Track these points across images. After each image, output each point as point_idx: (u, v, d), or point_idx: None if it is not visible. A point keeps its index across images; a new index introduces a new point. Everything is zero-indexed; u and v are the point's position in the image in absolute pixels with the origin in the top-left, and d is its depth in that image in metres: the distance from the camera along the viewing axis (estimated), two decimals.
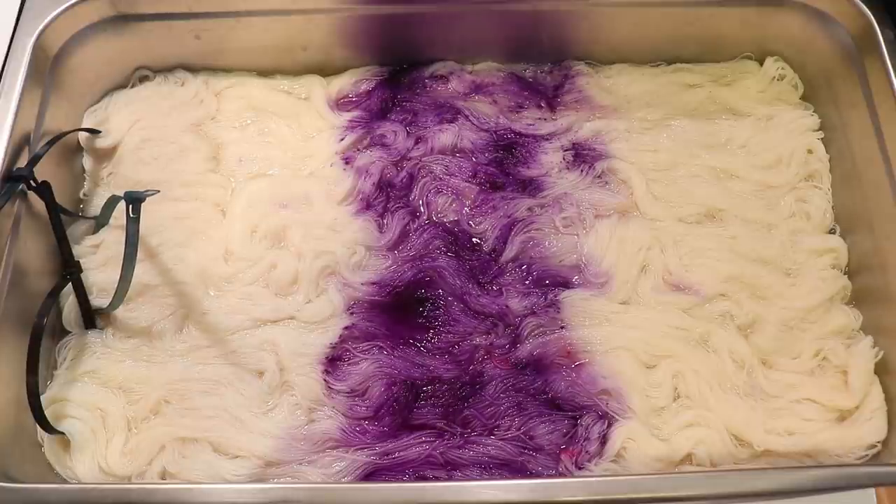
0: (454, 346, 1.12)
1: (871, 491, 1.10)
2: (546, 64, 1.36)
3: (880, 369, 1.10)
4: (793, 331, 1.14)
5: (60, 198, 1.11)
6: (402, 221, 1.21)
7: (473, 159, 1.27)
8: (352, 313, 1.14)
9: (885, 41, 1.16)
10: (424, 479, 1.03)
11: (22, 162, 1.10)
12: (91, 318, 1.13)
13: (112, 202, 1.19)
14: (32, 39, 1.16)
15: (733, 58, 1.35)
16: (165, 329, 1.13)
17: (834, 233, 1.22)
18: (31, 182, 1.07)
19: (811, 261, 1.18)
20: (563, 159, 1.26)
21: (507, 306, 1.14)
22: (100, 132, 1.26)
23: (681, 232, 1.20)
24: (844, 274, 1.19)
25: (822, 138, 1.27)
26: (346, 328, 1.13)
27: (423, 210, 1.22)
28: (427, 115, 1.30)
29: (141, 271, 1.14)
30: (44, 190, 1.08)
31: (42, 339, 1.00)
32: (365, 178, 1.24)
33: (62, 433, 1.05)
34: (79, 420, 1.07)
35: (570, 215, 1.21)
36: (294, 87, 1.34)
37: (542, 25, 1.30)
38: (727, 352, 1.11)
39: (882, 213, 1.14)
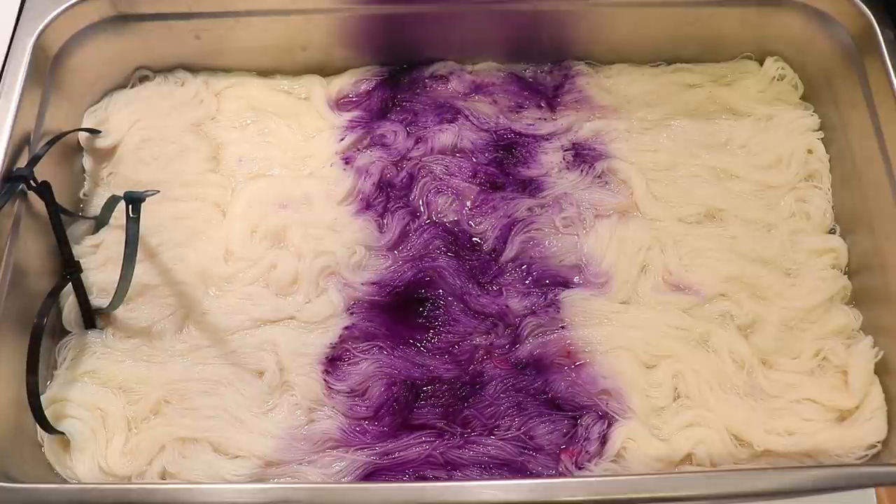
0: (454, 346, 1.12)
1: (871, 491, 1.10)
2: (546, 64, 1.36)
3: (880, 369, 1.10)
4: (793, 331, 1.14)
5: (60, 198, 1.11)
6: (402, 221, 1.21)
7: (473, 159, 1.27)
8: (352, 313, 1.14)
9: (885, 41, 1.16)
10: (424, 479, 1.03)
11: (22, 162, 1.10)
12: (91, 318, 1.13)
13: (112, 202, 1.19)
14: (32, 39, 1.16)
15: (733, 58, 1.35)
16: (165, 329, 1.13)
17: (834, 233, 1.22)
18: (31, 182, 1.07)
19: (811, 261, 1.18)
20: (563, 159, 1.26)
21: (507, 306, 1.14)
22: (100, 132, 1.26)
23: (681, 232, 1.20)
24: (844, 274, 1.19)
25: (822, 138, 1.27)
26: (346, 328, 1.13)
27: (423, 210, 1.22)
28: (427, 115, 1.30)
29: (141, 271, 1.14)
30: (44, 190, 1.08)
31: (42, 339, 1.00)
32: (365, 178, 1.24)
33: (62, 433, 1.05)
34: (79, 420, 1.07)
35: (570, 215, 1.21)
36: (294, 87, 1.34)
37: (542, 25, 1.30)
38: (727, 352, 1.11)
39: (882, 213, 1.14)
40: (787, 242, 1.19)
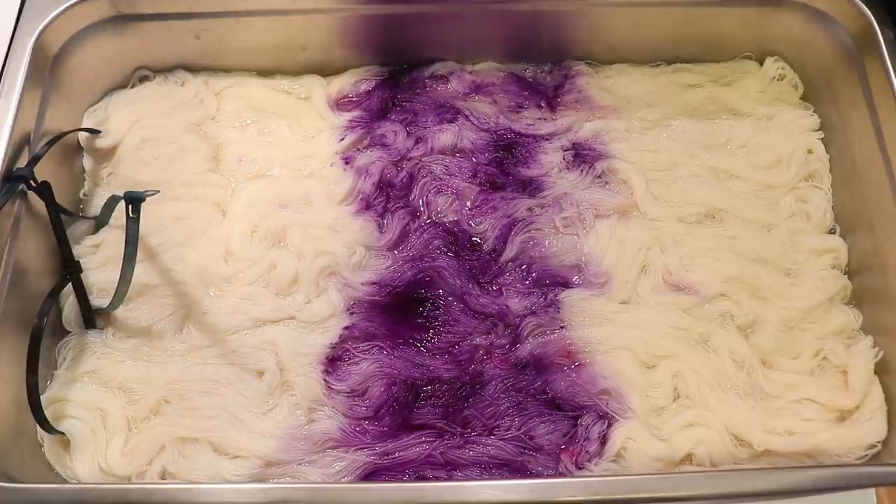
0: (454, 346, 1.12)
1: (871, 491, 1.10)
2: (546, 64, 1.36)
3: (880, 369, 1.10)
4: (793, 331, 1.14)
5: (60, 198, 1.11)
6: (402, 221, 1.21)
7: (473, 159, 1.27)
8: (352, 313, 1.14)
9: (885, 41, 1.16)
10: (424, 479, 1.03)
11: (22, 162, 1.10)
12: (91, 318, 1.13)
13: (112, 202, 1.19)
14: (32, 39, 1.16)
15: (733, 58, 1.35)
16: (165, 329, 1.13)
17: (834, 233, 1.22)
18: (31, 182, 1.07)
19: (811, 261, 1.18)
20: (563, 159, 1.26)
21: (507, 306, 1.14)
22: (100, 132, 1.26)
23: (681, 232, 1.20)
24: (844, 274, 1.19)
25: (822, 138, 1.27)
26: (346, 328, 1.13)
27: (423, 210, 1.22)
28: (427, 115, 1.30)
29: (141, 271, 1.14)
30: (44, 190, 1.08)
31: (42, 339, 1.00)
32: (365, 178, 1.24)
33: (62, 433, 1.05)
34: (79, 420, 1.07)
35: (570, 215, 1.21)
36: (294, 87, 1.34)
37: (542, 25, 1.30)
38: (727, 352, 1.11)
39: (882, 213, 1.14)
40: (787, 242, 1.19)
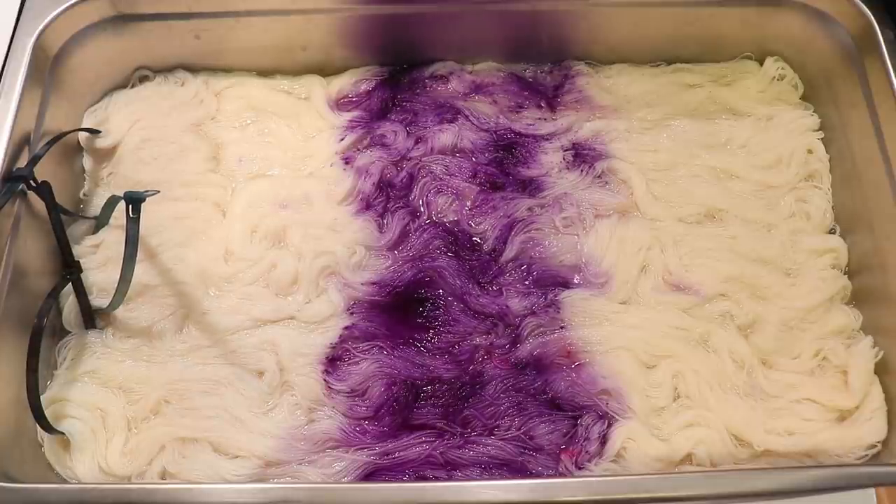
0: (454, 346, 1.12)
1: (871, 491, 1.10)
2: (546, 64, 1.36)
3: (880, 369, 1.10)
4: (793, 331, 1.14)
5: (60, 198, 1.11)
6: (402, 221, 1.21)
7: (473, 159, 1.27)
8: (352, 313, 1.14)
9: (885, 41, 1.16)
10: (424, 479, 1.03)
11: (22, 162, 1.10)
12: (91, 318, 1.13)
13: (112, 202, 1.19)
14: (32, 39, 1.16)
15: (733, 58, 1.35)
16: (165, 329, 1.13)
17: (834, 233, 1.22)
18: (31, 182, 1.07)
19: (811, 261, 1.18)
20: (563, 159, 1.26)
21: (507, 306, 1.14)
22: (100, 132, 1.26)
23: (681, 232, 1.20)
24: (844, 274, 1.19)
25: (822, 138, 1.27)
26: (346, 328, 1.13)
27: (423, 210, 1.22)
28: (427, 115, 1.30)
29: (141, 271, 1.14)
30: (44, 190, 1.08)
31: (42, 339, 1.00)
32: (365, 178, 1.24)
33: (62, 433, 1.05)
34: (79, 420, 1.07)
35: (570, 215, 1.21)
36: (294, 87, 1.34)
37: (541, 25, 1.30)
38: (727, 352, 1.11)
39: (882, 213, 1.14)
40: (787, 242, 1.19)
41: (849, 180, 1.22)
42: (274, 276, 1.16)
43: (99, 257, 1.18)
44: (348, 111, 1.31)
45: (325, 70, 1.35)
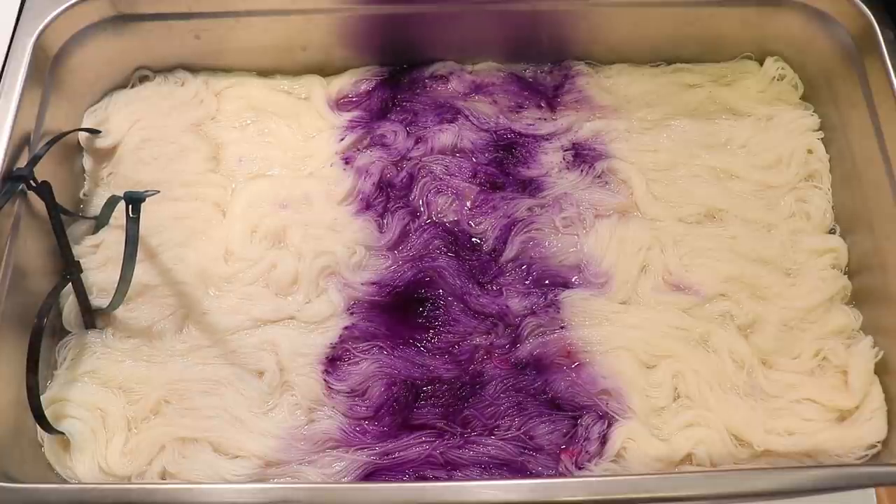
0: (454, 346, 1.12)
1: (871, 491, 1.10)
2: (546, 64, 1.36)
3: (880, 369, 1.10)
4: (793, 331, 1.14)
5: (60, 198, 1.11)
6: (402, 221, 1.21)
7: (473, 159, 1.27)
8: (352, 313, 1.14)
9: (885, 41, 1.16)
10: (424, 479, 1.03)
11: (22, 162, 1.10)
12: (91, 318, 1.13)
13: (112, 202, 1.19)
14: (32, 39, 1.16)
15: (733, 58, 1.35)
16: (165, 329, 1.13)
17: (834, 233, 1.22)
18: (31, 182, 1.07)
19: (811, 261, 1.18)
20: (563, 159, 1.26)
21: (507, 306, 1.14)
22: (100, 132, 1.26)
23: (681, 232, 1.20)
24: (844, 274, 1.19)
25: (822, 138, 1.27)
26: (346, 328, 1.13)
27: (423, 210, 1.22)
28: (427, 115, 1.30)
29: (141, 271, 1.14)
30: (44, 190, 1.08)
31: (42, 339, 1.00)
32: (365, 178, 1.24)
33: (62, 433, 1.05)
34: (79, 420, 1.07)
35: (570, 215, 1.21)
36: (294, 87, 1.34)
37: (541, 25, 1.30)
38: (727, 352, 1.11)
39: (882, 213, 1.14)
40: (787, 242, 1.19)
41: (849, 180, 1.22)
42: (274, 276, 1.16)
43: (99, 257, 1.18)
44: (348, 111, 1.31)
45: (325, 70, 1.35)
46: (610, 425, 1.06)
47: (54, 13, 1.18)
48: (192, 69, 1.33)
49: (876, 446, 1.06)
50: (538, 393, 1.09)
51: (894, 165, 1.12)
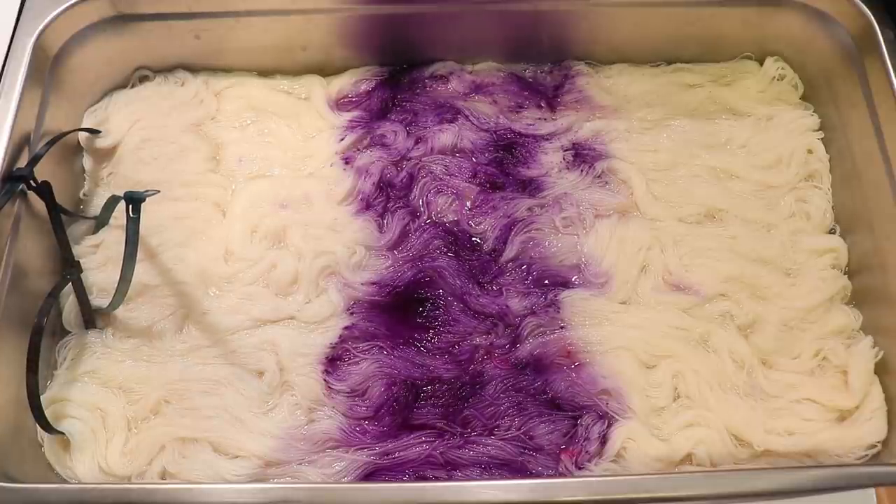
0: (454, 346, 1.12)
1: (871, 491, 1.10)
2: (546, 64, 1.36)
3: (880, 369, 1.10)
4: (793, 331, 1.14)
5: (60, 198, 1.11)
6: (402, 221, 1.21)
7: (473, 159, 1.27)
8: (352, 313, 1.14)
9: (885, 41, 1.16)
10: (424, 479, 1.03)
11: (22, 162, 1.10)
12: (91, 318, 1.13)
13: (112, 202, 1.19)
14: (32, 39, 1.16)
15: (733, 58, 1.35)
16: (165, 329, 1.13)
17: (834, 233, 1.22)
18: (31, 182, 1.07)
19: (811, 261, 1.18)
20: (563, 159, 1.26)
21: (507, 306, 1.14)
22: (100, 132, 1.26)
23: (681, 232, 1.20)
24: (844, 274, 1.19)
25: (822, 138, 1.27)
26: (346, 328, 1.13)
27: (423, 210, 1.22)
28: (427, 115, 1.30)
29: (141, 271, 1.14)
30: (44, 190, 1.08)
31: (42, 339, 1.00)
32: (365, 178, 1.24)
33: (62, 433, 1.05)
34: (79, 420, 1.07)
35: (570, 215, 1.21)
36: (294, 87, 1.34)
37: (542, 25, 1.30)
38: (727, 352, 1.11)
39: (882, 213, 1.14)
40: (787, 242, 1.19)
41: (849, 180, 1.22)
42: (274, 276, 1.16)
43: (99, 257, 1.18)
44: (348, 111, 1.31)
45: (325, 70, 1.35)
46: (610, 425, 1.06)
47: (54, 13, 1.18)
48: (192, 69, 1.33)
49: (876, 446, 1.05)
50: (538, 393, 1.09)
51: (894, 165, 1.12)
